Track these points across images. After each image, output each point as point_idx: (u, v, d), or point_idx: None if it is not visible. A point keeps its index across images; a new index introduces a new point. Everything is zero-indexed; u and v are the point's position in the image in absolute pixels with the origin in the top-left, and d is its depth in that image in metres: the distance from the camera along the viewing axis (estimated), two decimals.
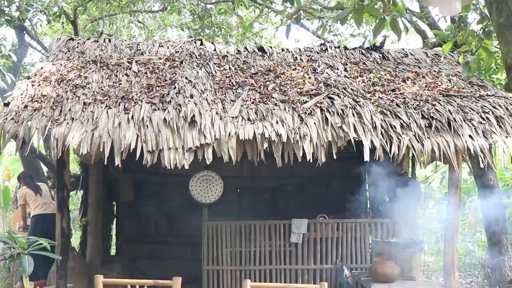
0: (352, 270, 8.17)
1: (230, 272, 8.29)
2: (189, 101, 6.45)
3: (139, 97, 6.58)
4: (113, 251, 10.96)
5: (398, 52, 8.57)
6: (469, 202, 15.74)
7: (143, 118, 6.11)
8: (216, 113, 6.27)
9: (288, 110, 6.35)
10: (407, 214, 8.75)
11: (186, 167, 5.80)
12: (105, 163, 5.89)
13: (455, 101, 6.71)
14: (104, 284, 4.00)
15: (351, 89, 6.96)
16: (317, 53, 8.49)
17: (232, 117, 6.19)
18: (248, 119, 6.18)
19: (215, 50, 8.48)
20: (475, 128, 6.25)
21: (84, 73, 7.27)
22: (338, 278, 8.09)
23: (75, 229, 14.97)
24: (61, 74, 7.19)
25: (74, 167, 13.08)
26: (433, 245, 15.73)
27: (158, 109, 6.31)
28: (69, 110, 6.28)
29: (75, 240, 11.76)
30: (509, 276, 11.35)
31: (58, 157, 6.01)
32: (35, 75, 7.19)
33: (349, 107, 6.40)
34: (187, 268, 9.31)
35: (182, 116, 6.15)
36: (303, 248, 8.30)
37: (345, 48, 8.88)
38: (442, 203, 15.75)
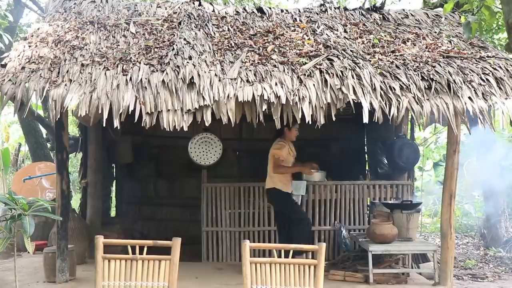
0: (350, 231, 8.27)
1: (229, 233, 8.39)
2: (187, 62, 6.41)
3: (137, 58, 6.53)
4: (113, 213, 11.05)
5: (399, 13, 8.47)
6: (467, 164, 15.81)
7: (141, 79, 6.07)
8: (215, 74, 6.23)
9: (287, 72, 6.31)
10: (405, 176, 8.83)
11: (185, 129, 5.79)
12: (104, 125, 5.89)
13: (455, 63, 6.66)
14: (104, 244, 4.03)
15: (351, 50, 6.90)
16: (317, 14, 8.39)
17: (231, 79, 6.15)
18: (247, 80, 6.14)
19: (213, 11, 8.38)
20: (474, 90, 6.22)
21: (81, 34, 7.20)
22: (336, 239, 8.20)
23: (75, 191, 15.07)
24: (58, 35, 7.12)
25: (73, 129, 13.10)
26: (431, 206, 15.88)
27: (157, 70, 6.27)
28: (67, 71, 6.24)
29: (75, 202, 11.85)
30: (505, 237, 11.50)
31: (57, 119, 6.00)
32: (32, 36, 7.12)
33: (349, 68, 6.36)
34: (187, 230, 9.44)
35: (181, 78, 6.12)
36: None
37: (345, 9, 8.78)
38: (440, 165, 15.85)
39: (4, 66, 6.31)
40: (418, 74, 6.36)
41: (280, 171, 7.45)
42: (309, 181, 8.09)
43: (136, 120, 5.78)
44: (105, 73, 6.21)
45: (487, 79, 6.39)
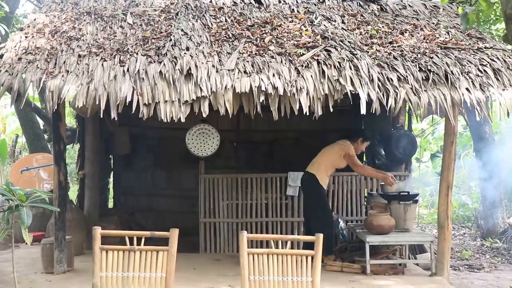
0: (347, 222, 8.29)
1: (226, 224, 8.40)
2: (185, 53, 6.39)
3: (134, 49, 6.52)
4: (110, 204, 11.05)
5: (397, 4, 8.45)
6: (464, 155, 15.86)
7: (138, 70, 6.06)
8: (212, 65, 6.21)
9: (285, 63, 6.30)
10: (402, 167, 8.84)
11: (183, 120, 5.78)
12: (101, 116, 5.88)
13: (453, 54, 6.66)
14: (102, 235, 4.03)
15: (348, 41, 6.89)
16: (314, 4, 8.36)
17: (229, 70, 6.13)
18: (245, 71, 6.13)
19: (211, 1, 8.34)
20: (472, 81, 6.21)
21: (78, 25, 7.18)
22: (333, 230, 8.20)
23: (73, 182, 15.06)
24: (54, 26, 7.10)
25: (70, 121, 13.07)
26: (428, 197, 15.92)
27: (154, 61, 6.25)
28: (64, 62, 6.22)
29: (73, 193, 11.84)
30: (501, 228, 11.55)
31: (54, 110, 5.98)
32: (28, 26, 7.10)
33: (346, 59, 6.35)
34: (184, 221, 9.42)
35: (178, 69, 6.10)
36: (299, 200, 8.39)
37: None
38: (438, 156, 15.90)
39: (0, 57, 6.28)
40: (416, 65, 6.35)
41: (364, 171, 7.68)
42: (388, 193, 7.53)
43: (133, 111, 5.77)
44: (102, 64, 6.19)
45: (484, 70, 6.38)
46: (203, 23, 7.42)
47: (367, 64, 6.29)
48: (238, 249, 4.09)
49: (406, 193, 7.37)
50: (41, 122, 12.78)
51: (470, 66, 6.41)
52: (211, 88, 5.92)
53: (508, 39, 4.03)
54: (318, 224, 7.07)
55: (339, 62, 6.29)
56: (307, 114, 5.88)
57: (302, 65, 6.24)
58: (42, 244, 6.89)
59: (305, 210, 7.68)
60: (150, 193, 10.62)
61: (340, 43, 6.81)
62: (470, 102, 5.99)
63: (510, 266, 9.57)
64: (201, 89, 5.90)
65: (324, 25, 7.46)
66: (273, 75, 6.08)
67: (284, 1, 8.52)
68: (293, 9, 8.11)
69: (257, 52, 6.51)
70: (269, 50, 6.57)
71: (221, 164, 10.04)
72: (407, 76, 6.17)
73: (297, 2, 8.50)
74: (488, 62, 6.51)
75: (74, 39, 6.77)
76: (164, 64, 6.17)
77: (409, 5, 8.42)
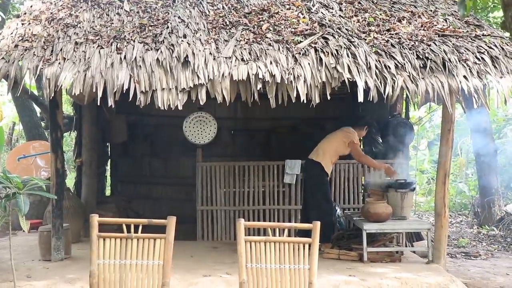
0: (344, 210, 8.31)
1: (224, 212, 8.42)
2: (182, 41, 6.37)
3: (131, 36, 6.49)
4: (108, 192, 11.06)
5: None
6: (461, 143, 15.89)
7: (135, 58, 6.04)
8: (210, 53, 6.19)
9: (282, 50, 6.28)
10: (399, 155, 8.85)
11: (180, 108, 5.78)
12: (98, 104, 5.87)
13: (451, 41, 6.64)
14: (99, 223, 4.03)
15: (346, 29, 6.86)
16: None
17: (226, 57, 6.12)
18: (242, 59, 6.11)
19: None
20: (469, 69, 6.20)
21: (75, 12, 7.15)
22: (332, 217, 8.22)
23: (70, 170, 15.05)
24: (51, 13, 7.06)
25: (67, 108, 13.04)
26: (425, 185, 15.96)
27: (151, 49, 6.23)
28: (61, 50, 6.20)
29: (70, 181, 11.84)
30: (498, 215, 11.59)
31: (51, 98, 5.97)
32: (25, 13, 7.07)
33: (344, 47, 6.33)
34: (182, 209, 9.45)
35: (175, 56, 6.08)
36: (296, 188, 8.41)
37: None
38: (435, 144, 15.93)
39: None
40: (413, 53, 6.33)
41: (366, 161, 7.69)
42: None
43: (130, 99, 5.76)
44: (99, 52, 6.17)
45: (482, 57, 6.37)
46: (200, 11, 7.38)
47: (365, 51, 6.27)
48: (235, 236, 4.10)
49: (403, 181, 7.38)
50: (38, 110, 12.76)
51: (467, 54, 6.40)
52: (208, 76, 5.90)
53: (506, 26, 4.02)
54: (318, 211, 7.09)
55: (336, 50, 6.27)
56: (305, 102, 5.88)
57: (300, 53, 6.22)
58: (39, 232, 6.90)
59: (305, 198, 7.68)
60: (147, 181, 10.62)
61: (338, 30, 6.78)
62: (467, 90, 5.99)
63: (506, 253, 9.62)
64: (198, 77, 5.88)
65: (322, 12, 7.42)
66: (271, 62, 6.06)
67: None
68: None
69: (254, 40, 6.48)
70: (267, 37, 6.55)
71: (218, 152, 10.04)
72: (404, 64, 6.16)
73: None
74: (486, 50, 6.49)
75: (71, 26, 6.75)
76: (161, 51, 6.15)
77: None
